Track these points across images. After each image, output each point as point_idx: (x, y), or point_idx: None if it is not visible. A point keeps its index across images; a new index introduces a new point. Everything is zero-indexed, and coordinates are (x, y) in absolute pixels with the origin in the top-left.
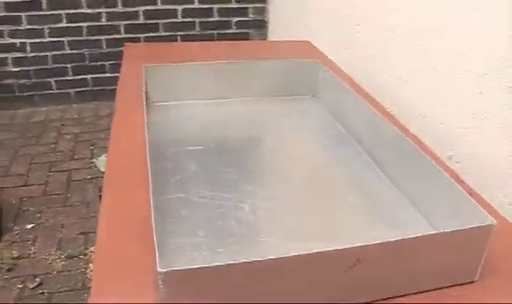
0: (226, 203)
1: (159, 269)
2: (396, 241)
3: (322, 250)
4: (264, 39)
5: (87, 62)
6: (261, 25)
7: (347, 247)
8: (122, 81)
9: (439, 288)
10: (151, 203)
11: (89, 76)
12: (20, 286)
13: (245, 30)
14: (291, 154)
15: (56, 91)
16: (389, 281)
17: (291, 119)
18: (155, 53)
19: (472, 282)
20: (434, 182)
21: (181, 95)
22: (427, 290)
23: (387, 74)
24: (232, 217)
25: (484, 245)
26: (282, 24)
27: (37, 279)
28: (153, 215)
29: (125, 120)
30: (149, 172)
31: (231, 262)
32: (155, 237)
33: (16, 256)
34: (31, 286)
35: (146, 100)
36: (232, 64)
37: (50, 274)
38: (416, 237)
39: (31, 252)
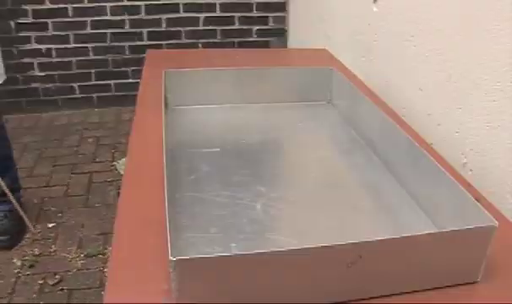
0: (239, 202)
1: (170, 258)
2: (397, 238)
3: (325, 244)
4: (284, 47)
5: (110, 67)
6: (281, 34)
7: (349, 242)
8: (142, 85)
9: (442, 287)
10: (165, 197)
11: (112, 81)
12: (41, 282)
13: (265, 39)
14: (305, 157)
15: (79, 96)
16: (390, 278)
17: (306, 124)
18: (176, 59)
19: (475, 282)
20: (441, 186)
21: (199, 100)
22: (430, 289)
23: (403, 83)
24: (244, 215)
25: (486, 246)
26: (302, 32)
27: (57, 276)
28: (166, 208)
29: (144, 123)
30: (165, 171)
31: (237, 253)
32: (168, 226)
33: (37, 253)
34: (51, 283)
35: (165, 103)
36: (250, 70)
37: (69, 271)
38: (417, 235)
39: (52, 250)
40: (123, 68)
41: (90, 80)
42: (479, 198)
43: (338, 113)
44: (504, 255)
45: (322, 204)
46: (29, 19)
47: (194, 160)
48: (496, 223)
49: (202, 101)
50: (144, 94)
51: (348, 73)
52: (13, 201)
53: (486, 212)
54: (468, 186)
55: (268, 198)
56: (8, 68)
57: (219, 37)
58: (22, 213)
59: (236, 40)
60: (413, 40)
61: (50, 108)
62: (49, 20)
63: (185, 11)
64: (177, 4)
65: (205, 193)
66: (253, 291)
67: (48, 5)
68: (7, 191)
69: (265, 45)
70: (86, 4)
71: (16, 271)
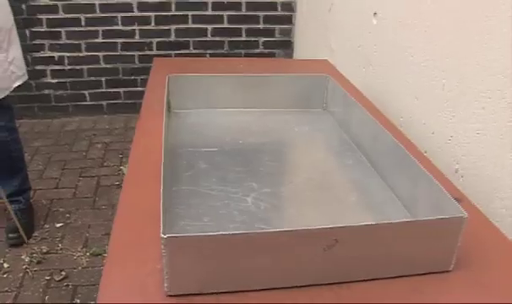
0: (232, 195)
1: (162, 235)
2: (372, 224)
3: (302, 228)
4: (290, 58)
5: (120, 75)
6: (287, 46)
7: (326, 226)
8: (147, 91)
9: (415, 274)
10: (161, 185)
11: (121, 89)
12: (48, 278)
13: (272, 50)
14: (298, 158)
15: (89, 103)
16: (365, 264)
17: (302, 129)
18: (181, 66)
19: (447, 271)
20: (422, 185)
21: (201, 104)
22: (404, 276)
23: (401, 92)
24: (236, 207)
25: (456, 236)
26: (307, 45)
27: (63, 273)
28: (161, 193)
29: (147, 125)
30: (162, 164)
31: (223, 232)
32: (161, 208)
33: (45, 251)
34: (57, 279)
35: (168, 107)
36: (249, 77)
37: (75, 268)
38: (390, 222)
39: (59, 248)
40: (133, 77)
41: (101, 88)
42: (461, 198)
43: (333, 119)
44: (478, 249)
45: (310, 200)
46: (44, 28)
47: (193, 158)
48: (465, 214)
49: (203, 105)
50: (149, 98)
51: (345, 82)
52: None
53: (458, 205)
54: (455, 189)
55: (259, 192)
56: None
57: (226, 48)
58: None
59: (243, 51)
60: (410, 51)
61: (61, 114)
62: (62, 29)
63: (193, 22)
64: (186, 16)
65: (201, 187)
66: (236, 270)
67: (62, 15)
68: (6, 202)
69: (271, 56)
70: (98, 14)
71: (24, 267)
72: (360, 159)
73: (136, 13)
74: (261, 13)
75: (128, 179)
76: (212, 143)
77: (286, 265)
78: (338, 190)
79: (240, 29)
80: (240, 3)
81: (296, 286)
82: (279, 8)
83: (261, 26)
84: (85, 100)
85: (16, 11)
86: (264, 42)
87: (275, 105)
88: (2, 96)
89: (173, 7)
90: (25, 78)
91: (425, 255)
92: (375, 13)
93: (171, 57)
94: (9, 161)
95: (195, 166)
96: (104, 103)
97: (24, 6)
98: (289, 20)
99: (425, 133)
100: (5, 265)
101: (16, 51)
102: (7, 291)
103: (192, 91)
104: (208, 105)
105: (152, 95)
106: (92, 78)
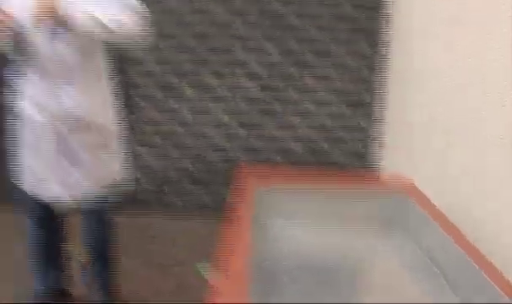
0: None
1: None
2: None
3: None
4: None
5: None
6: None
7: None
8: (234, 201)
9: None
10: None
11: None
12: None
13: (349, 161)
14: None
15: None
16: None
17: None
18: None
19: None
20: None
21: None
22: None
23: (484, 211)
24: None
25: None
26: (394, 165)
27: None
28: None
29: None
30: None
31: None
32: None
33: None
34: None
35: (255, 218)
36: (333, 191)
37: None
38: None
39: None
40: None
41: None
42: None
43: (412, 239)
44: None
45: None
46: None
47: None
48: None
49: (288, 218)
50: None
51: (426, 202)
52: None
53: None
54: None
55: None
56: None
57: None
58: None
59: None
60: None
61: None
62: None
63: None
64: None
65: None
66: None
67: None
68: None
69: (347, 166)
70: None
71: None
72: (441, 284)
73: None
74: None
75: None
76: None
77: None
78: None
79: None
80: None
81: None
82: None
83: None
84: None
85: None
86: (342, 152)
87: (355, 222)
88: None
89: None
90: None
91: None
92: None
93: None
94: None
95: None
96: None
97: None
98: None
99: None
100: None
101: None
102: None
103: (278, 204)
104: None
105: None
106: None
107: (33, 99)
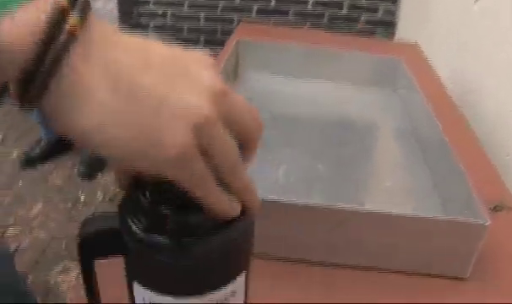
0: (262, 163)
1: None
2: (382, 213)
3: (313, 203)
4: (390, 39)
5: (218, 35)
6: (388, 26)
7: (336, 205)
8: (221, 54)
9: (426, 275)
10: None
11: (219, 47)
12: None
13: (372, 27)
14: (345, 134)
15: None
16: (373, 251)
17: (364, 107)
18: (265, 34)
19: (463, 279)
20: (459, 182)
21: (266, 70)
22: (415, 274)
23: (489, 103)
24: (262, 176)
25: (475, 244)
26: (408, 27)
27: None
28: None
29: None
30: None
31: None
32: None
33: (118, 190)
34: None
35: (236, 71)
36: (319, 49)
37: None
38: (400, 215)
39: None
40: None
41: (199, 45)
42: (503, 206)
43: (400, 102)
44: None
45: (343, 177)
46: None
47: None
48: (488, 222)
49: (269, 72)
50: (219, 60)
51: (425, 69)
52: None
53: (483, 211)
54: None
55: (293, 165)
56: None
57: (326, 21)
58: None
59: (342, 25)
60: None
61: None
62: None
63: None
64: None
65: None
66: None
67: None
68: None
69: (371, 35)
70: None
71: (97, 202)
72: (412, 145)
73: None
74: None
75: None
76: (264, 108)
77: (296, 234)
78: (378, 171)
79: (342, 3)
80: None
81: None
82: None
83: (364, 3)
84: None
85: None
86: (366, 20)
87: (343, 80)
88: None
89: None
90: None
91: (439, 257)
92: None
93: (268, 23)
94: None
95: None
96: None
97: None
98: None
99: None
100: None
101: None
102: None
103: (260, 57)
104: (273, 71)
105: (222, 57)
106: (191, 36)
107: None
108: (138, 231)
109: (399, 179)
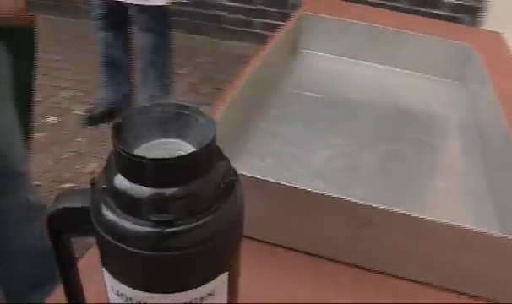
0: (306, 145)
1: None
2: (411, 216)
3: (339, 196)
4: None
5: (289, 9)
6: (477, 13)
7: (362, 202)
8: (283, 28)
9: (454, 291)
10: None
11: None
12: None
13: (458, 15)
14: (400, 126)
15: (257, 31)
16: (399, 257)
17: (426, 98)
18: (335, 8)
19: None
20: None
21: (328, 49)
22: (443, 289)
23: None
24: (303, 159)
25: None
26: (496, 16)
27: None
28: None
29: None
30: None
31: (268, 179)
32: None
33: None
34: None
35: (295, 47)
36: (387, 31)
37: None
38: (433, 221)
39: None
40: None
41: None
42: None
43: (467, 94)
44: None
45: (395, 170)
46: None
47: (291, 99)
48: None
49: (330, 51)
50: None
51: (503, 61)
52: None
53: None
54: None
55: (338, 151)
56: None
57: (405, 3)
58: None
59: (422, 10)
60: None
61: (228, 36)
62: None
63: None
64: None
65: (282, 128)
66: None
67: None
68: None
69: (455, 21)
70: None
71: None
72: (474, 147)
73: None
74: None
75: None
76: (319, 89)
77: (320, 228)
78: (427, 170)
79: None
80: None
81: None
82: None
83: None
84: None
85: None
86: (452, 4)
87: (408, 66)
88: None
89: None
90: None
91: (469, 275)
92: None
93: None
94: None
95: (287, 107)
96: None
97: None
98: None
99: None
100: None
101: None
102: None
103: (324, 35)
104: (336, 51)
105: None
106: (262, 7)
107: None
108: (109, 215)
109: (453, 182)
